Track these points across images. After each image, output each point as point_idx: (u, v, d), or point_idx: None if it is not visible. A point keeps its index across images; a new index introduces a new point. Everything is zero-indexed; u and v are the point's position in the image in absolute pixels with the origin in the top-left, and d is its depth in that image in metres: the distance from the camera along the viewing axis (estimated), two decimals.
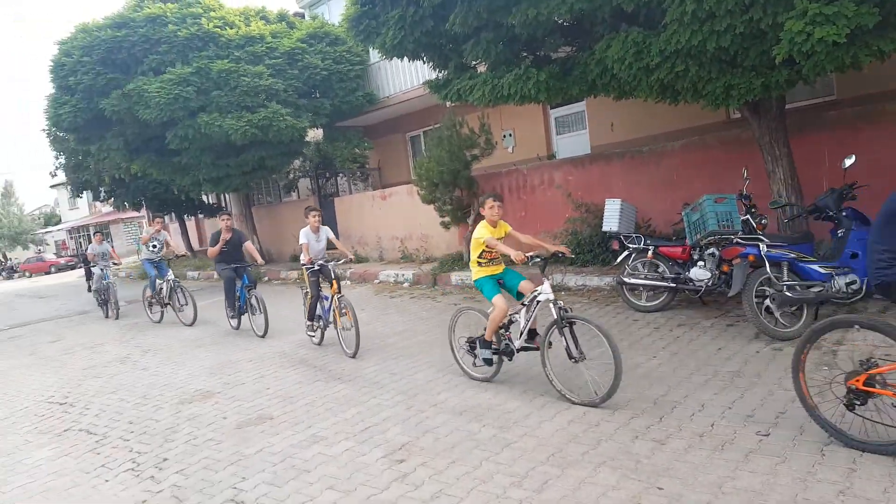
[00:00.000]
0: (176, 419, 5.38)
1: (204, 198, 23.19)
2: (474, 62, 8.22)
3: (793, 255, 5.41)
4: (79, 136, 14.66)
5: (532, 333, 5.09)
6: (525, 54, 8.04)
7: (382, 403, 5.10)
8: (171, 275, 10.48)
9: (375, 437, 4.39)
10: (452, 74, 8.44)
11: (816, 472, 3.20)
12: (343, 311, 6.76)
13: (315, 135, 15.52)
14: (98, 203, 40.63)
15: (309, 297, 7.36)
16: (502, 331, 5.15)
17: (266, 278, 15.61)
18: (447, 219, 11.81)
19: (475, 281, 5.26)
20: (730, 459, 3.45)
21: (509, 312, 5.08)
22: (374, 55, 14.22)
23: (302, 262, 7.46)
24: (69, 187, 25.34)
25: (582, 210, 9.90)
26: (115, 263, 12.33)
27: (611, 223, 7.49)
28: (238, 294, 8.67)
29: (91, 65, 12.78)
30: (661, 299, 6.86)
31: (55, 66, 13.14)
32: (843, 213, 5.53)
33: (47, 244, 49.02)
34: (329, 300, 7.04)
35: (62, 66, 12.99)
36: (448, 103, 9.12)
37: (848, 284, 5.24)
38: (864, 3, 4.92)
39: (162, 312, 10.76)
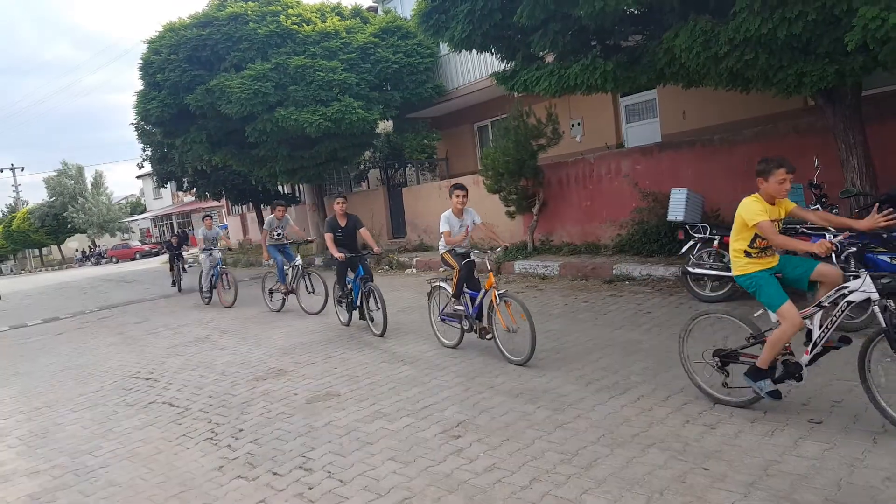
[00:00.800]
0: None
1: (280, 188, 24.26)
2: (542, 53, 8.31)
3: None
4: (165, 130, 15.69)
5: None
6: (594, 44, 8.06)
7: (442, 384, 5.37)
8: (298, 259, 10.15)
9: (434, 416, 4.65)
10: (520, 65, 8.56)
11: (865, 457, 3.21)
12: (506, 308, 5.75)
13: (385, 126, 15.97)
14: (181, 193, 43.13)
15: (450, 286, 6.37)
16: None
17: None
18: (512, 208, 11.97)
19: (744, 277, 3.91)
20: (778, 444, 3.50)
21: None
22: (443, 48, 14.48)
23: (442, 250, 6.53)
24: (154, 178, 27.01)
25: (649, 199, 9.82)
26: (229, 249, 12.44)
27: (676, 212, 7.47)
28: (351, 287, 7.88)
29: (177, 62, 13.68)
30: (725, 289, 6.79)
31: (144, 63, 14.14)
32: None
33: (133, 232, 52.19)
34: (479, 296, 6.10)
35: (151, 63, 13.96)
36: (515, 94, 9.24)
37: None
38: None
39: (283, 300, 10.35)
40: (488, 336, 5.98)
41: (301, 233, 10.72)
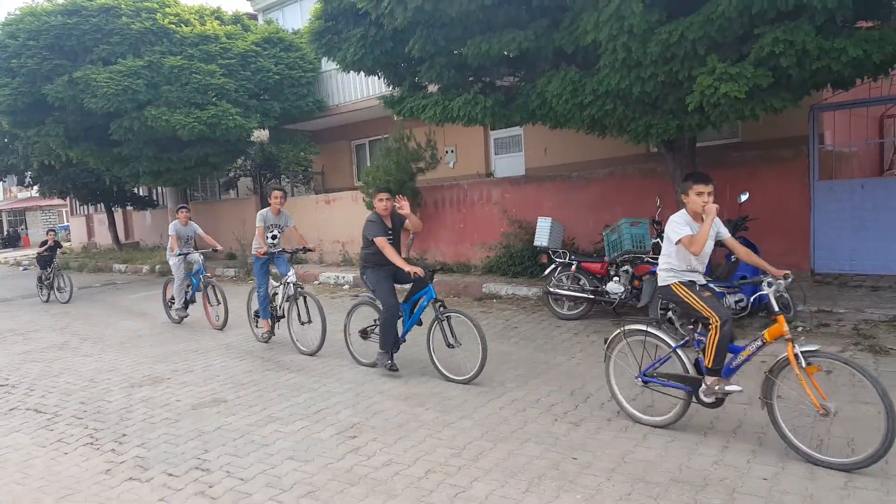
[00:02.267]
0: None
1: (136, 190, 22.71)
2: (427, 83, 8.87)
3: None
4: (15, 120, 14.26)
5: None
6: (472, 80, 8.76)
7: (332, 390, 5.59)
8: (292, 275, 7.18)
9: (328, 419, 4.88)
10: (406, 92, 9.05)
11: (698, 447, 3.98)
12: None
13: (260, 135, 15.73)
14: (15, 188, 38.58)
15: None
16: None
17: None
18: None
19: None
20: (632, 438, 4.18)
21: None
22: (326, 64, 14.65)
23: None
24: None
25: (516, 226, 10.70)
26: (213, 251, 9.44)
27: (542, 238, 8.27)
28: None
29: (37, 49, 12.55)
30: (580, 309, 7.68)
31: None
32: (738, 241, 6.50)
33: None
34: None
35: (5, 47, 12.67)
36: (397, 118, 9.71)
37: (737, 302, 6.20)
38: (760, 67, 5.88)
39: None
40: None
41: (302, 238, 7.93)
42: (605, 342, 4.62)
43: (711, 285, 6.24)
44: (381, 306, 5.84)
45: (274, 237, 7.50)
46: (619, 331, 4.48)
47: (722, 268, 6.75)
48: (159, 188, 22.20)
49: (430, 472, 3.83)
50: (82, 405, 5.58)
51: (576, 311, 7.73)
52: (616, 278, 7.17)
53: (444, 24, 7.45)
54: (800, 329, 6.31)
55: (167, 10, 13.80)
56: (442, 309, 5.63)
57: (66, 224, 29.59)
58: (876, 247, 7.65)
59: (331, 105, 15.81)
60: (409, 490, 3.62)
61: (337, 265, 14.19)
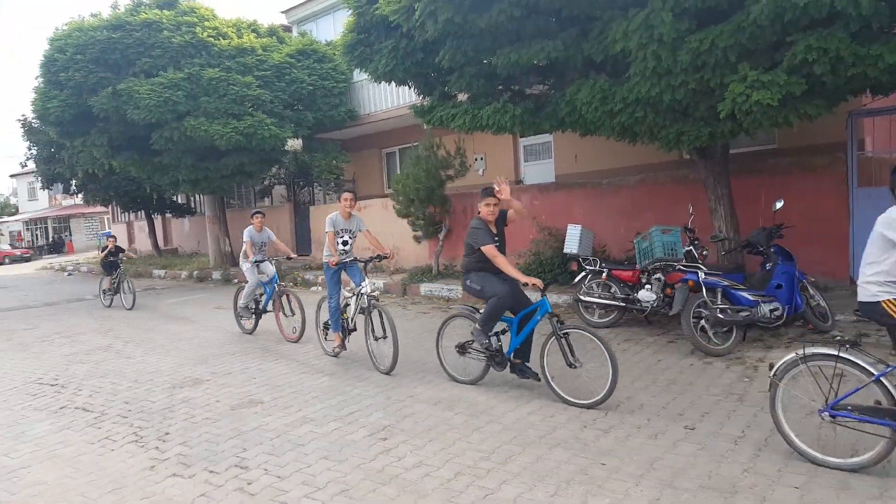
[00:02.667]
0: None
1: (175, 198, 23.37)
2: (456, 92, 8.99)
3: (726, 283, 6.28)
4: (62, 130, 14.88)
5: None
6: (501, 88, 8.85)
7: (364, 394, 5.71)
8: (366, 286, 6.79)
9: (360, 420, 4.99)
10: (436, 101, 9.19)
11: (728, 456, 3.96)
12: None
13: (293, 144, 16.09)
14: (59, 196, 40.01)
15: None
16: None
17: (235, 280, 15.97)
18: (420, 233, 12.53)
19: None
20: (660, 445, 4.19)
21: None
22: (358, 74, 14.92)
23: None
24: (39, 178, 25.17)
25: (545, 233, 10.72)
26: (287, 258, 9.15)
27: (571, 246, 8.28)
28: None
29: (84, 63, 13.13)
30: (611, 316, 7.67)
31: (46, 60, 13.44)
32: (772, 250, 6.46)
33: (1, 234, 47.71)
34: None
35: (54, 61, 13.29)
36: (426, 126, 9.86)
37: (772, 311, 6.13)
38: (793, 74, 5.83)
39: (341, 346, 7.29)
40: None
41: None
42: (771, 368, 3.93)
43: (745, 294, 6.20)
44: (494, 300, 5.28)
45: (345, 243, 6.95)
46: (794, 355, 3.79)
47: (757, 276, 6.68)
48: (197, 196, 22.83)
49: (460, 475, 3.90)
50: (127, 405, 5.80)
51: (607, 319, 7.73)
52: (648, 286, 7.15)
53: (473, 36, 7.57)
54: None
55: (206, 24, 14.26)
56: (560, 324, 5.13)
57: (108, 231, 30.51)
58: None
59: (362, 114, 16.07)
60: (439, 491, 3.70)
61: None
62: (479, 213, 5.50)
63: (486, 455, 4.17)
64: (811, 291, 6.54)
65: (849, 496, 3.34)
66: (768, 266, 6.46)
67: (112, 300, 12.76)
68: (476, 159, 14.65)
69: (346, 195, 7.13)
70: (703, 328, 6.22)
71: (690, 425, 4.50)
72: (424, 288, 11.53)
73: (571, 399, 5.05)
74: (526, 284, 5.10)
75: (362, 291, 6.67)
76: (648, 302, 7.06)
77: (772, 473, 3.66)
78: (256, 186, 20.12)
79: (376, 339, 6.41)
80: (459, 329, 5.93)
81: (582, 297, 7.82)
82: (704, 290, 6.22)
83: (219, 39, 14.20)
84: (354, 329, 6.96)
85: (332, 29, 16.60)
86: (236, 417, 5.25)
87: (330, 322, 7.08)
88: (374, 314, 6.45)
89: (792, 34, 5.74)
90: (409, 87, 9.71)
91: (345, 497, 3.70)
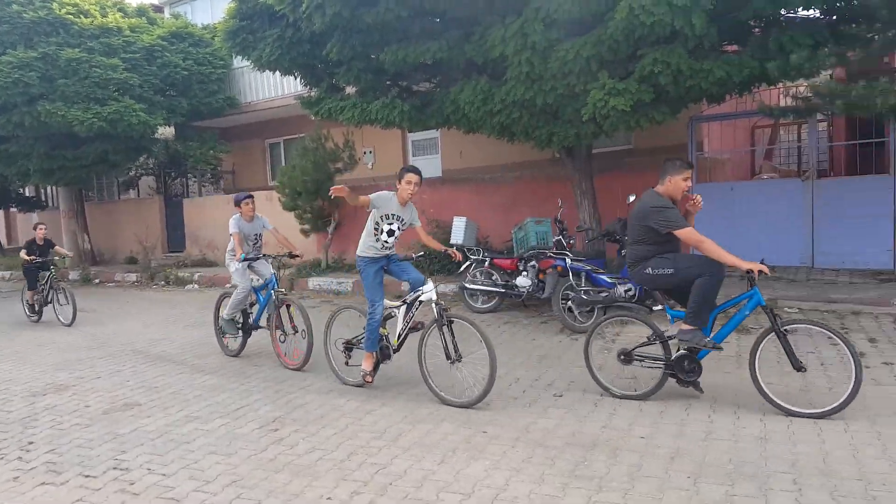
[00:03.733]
0: None
1: (22, 190, 21.19)
2: (345, 85, 9.13)
3: (589, 268, 7.03)
4: None
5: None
6: (389, 84, 9.12)
7: (251, 389, 5.72)
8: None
9: (249, 415, 5.02)
10: (324, 93, 9.27)
11: (590, 416, 4.56)
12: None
13: (165, 132, 15.27)
14: None
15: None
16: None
17: (97, 280, 14.98)
18: (307, 226, 12.50)
19: None
20: (534, 412, 4.71)
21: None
22: (239, 61, 14.50)
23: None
24: None
25: (433, 225, 11.15)
26: (292, 256, 6.95)
27: (457, 237, 8.78)
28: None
29: None
30: (493, 302, 8.25)
31: None
32: (626, 238, 7.27)
33: None
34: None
35: None
36: (314, 118, 9.91)
37: (626, 291, 6.94)
38: (643, 83, 6.63)
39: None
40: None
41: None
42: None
43: (605, 277, 6.97)
44: (703, 280, 4.35)
45: (391, 233, 5.36)
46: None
47: (615, 261, 7.51)
48: (49, 187, 20.87)
49: (353, 455, 4.14)
50: None
51: (489, 305, 8.29)
52: (524, 273, 7.77)
53: (361, 31, 7.78)
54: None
55: None
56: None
57: None
58: (742, 241, 8.69)
59: (243, 103, 15.62)
60: (333, 472, 3.91)
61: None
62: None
63: (379, 434, 4.45)
64: None
65: (685, 440, 4.01)
66: (623, 252, 7.29)
67: (41, 314, 9.98)
68: (365, 152, 14.79)
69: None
70: (570, 309, 6.91)
71: (559, 393, 5.08)
72: (313, 282, 11.55)
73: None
74: (750, 272, 4.26)
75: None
76: (525, 287, 7.68)
77: (624, 428, 4.29)
78: (121, 177, 18.83)
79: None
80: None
81: (467, 285, 8.32)
82: (571, 274, 6.92)
83: (79, 17, 13.17)
84: (397, 349, 5.45)
85: (209, 12, 15.94)
86: (111, 421, 5.01)
87: (365, 339, 5.41)
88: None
89: (642, 48, 6.52)
90: (296, 78, 9.71)
91: (236, 487, 3.73)
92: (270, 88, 15.10)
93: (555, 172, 10.17)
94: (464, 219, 8.86)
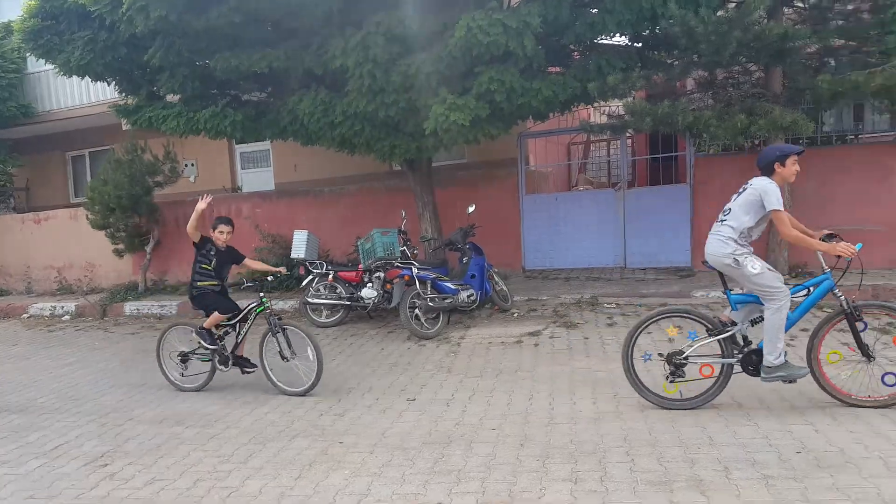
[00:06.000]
0: None
1: None
2: (167, 93, 8.49)
3: (434, 276, 7.24)
4: None
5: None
6: (216, 93, 8.65)
7: (70, 425, 5.10)
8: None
9: (71, 452, 4.48)
10: (143, 101, 8.55)
11: (443, 416, 4.67)
12: None
13: None
14: None
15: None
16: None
17: None
18: (121, 246, 11.35)
19: None
20: (389, 417, 4.72)
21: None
22: (34, 64, 12.84)
23: None
24: None
25: (269, 240, 10.73)
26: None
27: (298, 251, 8.54)
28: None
29: None
30: (338, 315, 8.13)
31: None
32: (467, 246, 7.65)
33: None
34: None
35: None
36: (126, 127, 9.09)
37: (468, 297, 7.28)
38: (480, 100, 7.00)
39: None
40: None
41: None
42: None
43: (448, 284, 7.21)
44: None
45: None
46: None
47: (457, 269, 7.82)
48: None
49: (200, 481, 3.86)
50: None
51: (334, 318, 8.14)
52: (370, 284, 7.77)
53: (188, 35, 7.34)
54: (516, 315, 7.64)
55: None
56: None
57: None
58: (566, 247, 9.59)
59: (41, 111, 13.80)
60: (180, 500, 3.63)
61: (52, 294, 12.51)
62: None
63: (226, 458, 4.19)
64: (496, 279, 7.92)
65: (512, 416, 4.27)
66: (465, 260, 7.64)
67: None
68: (186, 165, 13.80)
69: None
70: (417, 316, 7.05)
71: (412, 397, 5.15)
72: (130, 307, 10.49)
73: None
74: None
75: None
76: (370, 298, 7.68)
77: (475, 423, 4.46)
78: None
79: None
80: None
81: (310, 300, 8.10)
82: (417, 283, 7.07)
83: None
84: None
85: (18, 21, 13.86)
86: None
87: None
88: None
89: (478, 67, 6.91)
90: (109, 84, 8.85)
91: None
92: (75, 96, 13.53)
93: (395, 184, 10.35)
94: (305, 232, 8.66)
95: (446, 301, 7.11)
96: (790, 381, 4.15)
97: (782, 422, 4.03)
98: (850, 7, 7.31)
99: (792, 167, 4.13)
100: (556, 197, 10.22)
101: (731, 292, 4.36)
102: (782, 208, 4.05)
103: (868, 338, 4.21)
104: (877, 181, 7.88)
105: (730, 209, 4.26)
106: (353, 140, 7.88)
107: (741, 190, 4.27)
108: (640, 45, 7.87)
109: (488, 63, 6.86)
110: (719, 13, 6.94)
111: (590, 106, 8.95)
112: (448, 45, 6.58)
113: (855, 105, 9.12)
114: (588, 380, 5.23)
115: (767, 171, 4.16)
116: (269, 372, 5.59)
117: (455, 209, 8.91)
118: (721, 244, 4.20)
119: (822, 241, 4.10)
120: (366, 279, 7.86)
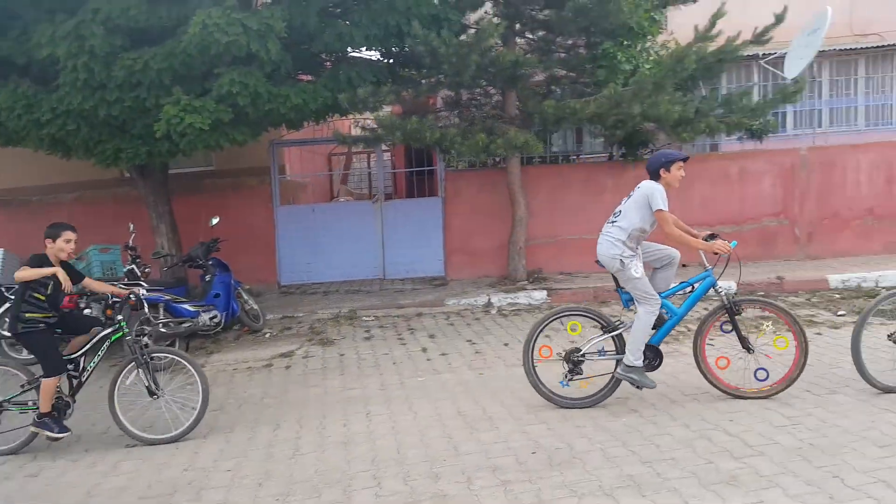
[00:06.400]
0: None
1: None
2: None
3: (168, 297, 6.40)
4: None
5: None
6: None
7: None
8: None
9: None
10: None
11: (169, 461, 4.06)
12: None
13: None
14: None
15: None
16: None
17: None
18: None
19: None
20: (100, 471, 3.97)
21: None
22: None
23: None
24: None
25: None
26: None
27: None
28: None
29: None
30: None
31: None
32: (210, 262, 6.92)
33: None
34: None
35: None
36: None
37: (211, 318, 6.57)
38: (222, 102, 6.41)
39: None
40: None
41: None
42: None
43: (186, 306, 6.47)
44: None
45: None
46: None
47: (199, 288, 7.06)
48: None
49: None
50: None
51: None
52: (88, 310, 6.59)
53: None
54: (268, 335, 7.15)
55: None
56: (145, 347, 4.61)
57: None
58: (325, 260, 9.30)
59: None
60: None
61: None
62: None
63: None
64: (245, 297, 7.30)
65: (252, 451, 3.90)
66: (207, 278, 6.90)
67: None
68: None
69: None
70: (146, 344, 6.13)
71: (132, 443, 4.42)
72: None
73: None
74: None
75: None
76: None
77: (209, 465, 3.95)
78: None
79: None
80: None
81: (5, 333, 6.60)
82: (146, 306, 6.14)
83: None
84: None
85: None
86: None
87: None
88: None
89: (219, 67, 6.33)
90: None
91: None
92: None
93: (124, 193, 9.11)
94: (1, 250, 7.11)
95: (184, 325, 6.33)
96: (638, 387, 4.37)
97: (519, 423, 4.24)
98: (569, 41, 8.28)
99: (677, 172, 4.37)
100: (314, 208, 9.92)
101: (623, 290, 4.48)
102: (667, 209, 4.27)
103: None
104: (592, 195, 9.00)
105: (620, 211, 4.43)
106: (68, 141, 6.74)
107: (631, 193, 4.48)
108: (391, 60, 7.99)
109: (230, 65, 6.35)
110: (462, 37, 7.35)
111: (345, 117, 8.85)
112: (182, 42, 5.95)
113: (577, 129, 10.37)
114: (340, 399, 5.02)
115: (655, 176, 4.39)
116: (121, 416, 4.46)
117: (199, 221, 8.05)
118: (610, 245, 4.36)
119: (705, 240, 4.35)
120: (82, 304, 6.66)
